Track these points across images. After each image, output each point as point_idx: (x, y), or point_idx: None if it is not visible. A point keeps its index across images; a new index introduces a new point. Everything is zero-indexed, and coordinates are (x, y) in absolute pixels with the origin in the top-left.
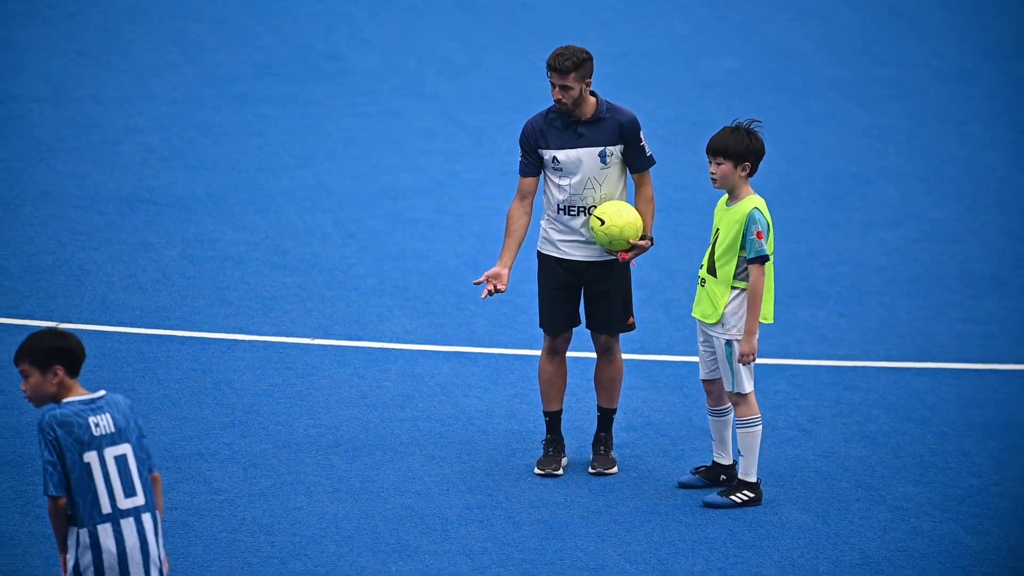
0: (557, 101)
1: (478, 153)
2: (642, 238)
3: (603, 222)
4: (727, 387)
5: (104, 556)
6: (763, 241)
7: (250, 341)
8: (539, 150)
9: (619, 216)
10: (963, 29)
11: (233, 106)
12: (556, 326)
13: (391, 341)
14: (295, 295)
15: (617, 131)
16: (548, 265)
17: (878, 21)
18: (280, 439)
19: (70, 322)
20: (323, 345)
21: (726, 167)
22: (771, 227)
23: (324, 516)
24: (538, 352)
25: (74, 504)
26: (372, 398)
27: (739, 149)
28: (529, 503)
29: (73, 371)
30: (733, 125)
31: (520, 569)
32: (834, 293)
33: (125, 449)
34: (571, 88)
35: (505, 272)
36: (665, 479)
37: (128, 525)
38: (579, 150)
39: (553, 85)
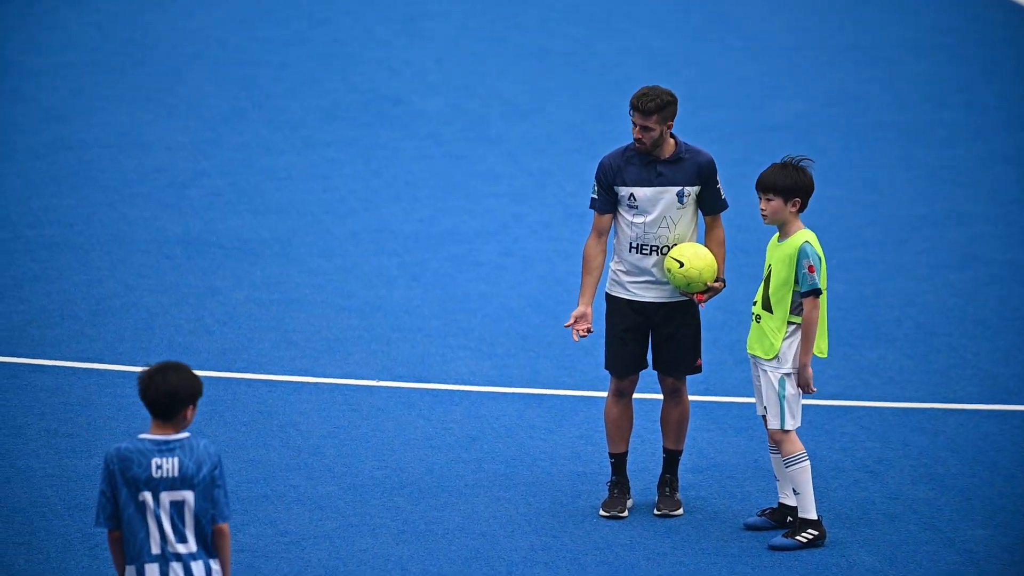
0: (636, 140)
1: (542, 196)
2: (716, 280)
3: (682, 264)
4: (773, 424)
5: None
6: (815, 274)
7: (316, 383)
8: (615, 187)
9: (698, 259)
10: None
11: (299, 150)
12: (624, 368)
13: (456, 383)
14: (360, 337)
15: (696, 172)
16: (617, 307)
17: (943, 65)
18: (346, 481)
19: (136, 365)
20: (388, 387)
21: (776, 203)
22: (823, 260)
23: (389, 558)
24: (603, 393)
25: (125, 540)
26: (437, 440)
27: (788, 185)
28: (594, 545)
29: (153, 413)
30: (782, 161)
31: None
32: (901, 335)
33: (184, 496)
34: (652, 129)
35: (589, 311)
36: (731, 521)
37: (176, 569)
38: (657, 188)
39: (634, 124)
